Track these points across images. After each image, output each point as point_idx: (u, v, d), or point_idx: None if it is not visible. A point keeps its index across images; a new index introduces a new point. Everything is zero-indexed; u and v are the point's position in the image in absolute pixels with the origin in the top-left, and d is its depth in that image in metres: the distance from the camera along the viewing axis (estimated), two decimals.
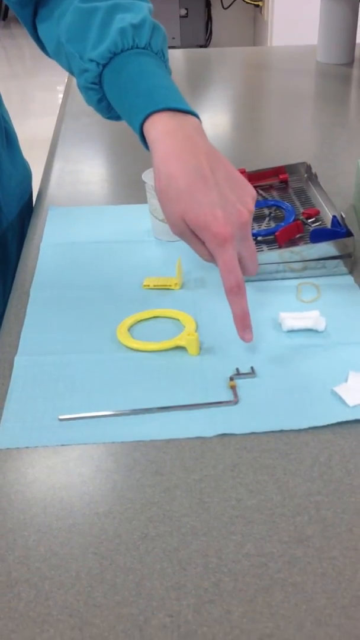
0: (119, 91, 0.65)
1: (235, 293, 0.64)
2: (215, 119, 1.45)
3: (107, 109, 0.71)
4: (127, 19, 0.65)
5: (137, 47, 0.65)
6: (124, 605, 0.47)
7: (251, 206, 0.62)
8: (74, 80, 0.72)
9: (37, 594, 0.48)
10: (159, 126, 0.62)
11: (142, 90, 0.63)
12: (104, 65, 0.65)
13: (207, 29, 4.98)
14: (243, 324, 0.66)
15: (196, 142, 0.62)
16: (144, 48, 0.65)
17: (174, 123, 0.62)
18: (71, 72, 0.73)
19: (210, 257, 0.64)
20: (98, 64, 0.65)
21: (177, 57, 1.94)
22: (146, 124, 0.62)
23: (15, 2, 0.76)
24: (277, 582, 0.48)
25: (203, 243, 0.62)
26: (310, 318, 0.73)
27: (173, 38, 4.71)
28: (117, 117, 0.72)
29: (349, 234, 0.82)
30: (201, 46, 4.81)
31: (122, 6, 0.67)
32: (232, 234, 0.60)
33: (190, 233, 0.62)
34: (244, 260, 0.65)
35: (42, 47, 0.79)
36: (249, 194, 0.63)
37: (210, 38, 5.04)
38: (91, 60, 0.66)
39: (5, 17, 6.18)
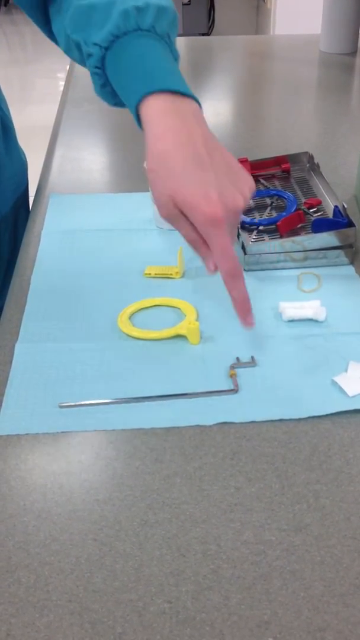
0: (119, 73, 0.64)
1: (233, 276, 0.61)
2: (218, 107, 1.44)
3: (112, 95, 0.69)
4: (130, 2, 0.63)
5: (140, 30, 0.63)
6: (123, 591, 0.47)
7: (247, 195, 0.60)
8: (76, 67, 0.72)
9: (36, 579, 0.48)
10: (154, 106, 0.59)
11: (141, 71, 0.61)
12: (107, 49, 0.64)
13: (209, 17, 4.95)
14: (244, 308, 0.64)
15: (194, 124, 0.59)
16: (147, 30, 0.63)
17: (171, 104, 0.59)
18: (83, 63, 0.70)
19: (199, 244, 0.61)
20: (101, 47, 0.64)
21: (179, 45, 1.92)
22: (142, 104, 0.60)
23: (25, 3, 0.74)
24: (276, 569, 0.48)
25: (193, 228, 0.59)
26: (310, 308, 0.73)
27: None
28: (122, 104, 0.70)
29: (350, 224, 0.82)
30: (204, 34, 4.79)
31: None
32: (224, 216, 0.57)
33: (180, 215, 0.59)
34: None
35: (58, 44, 0.77)
36: (247, 183, 0.61)
37: (213, 26, 5.01)
38: (95, 44, 0.64)
39: (6, 3, 6.14)
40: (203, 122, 0.61)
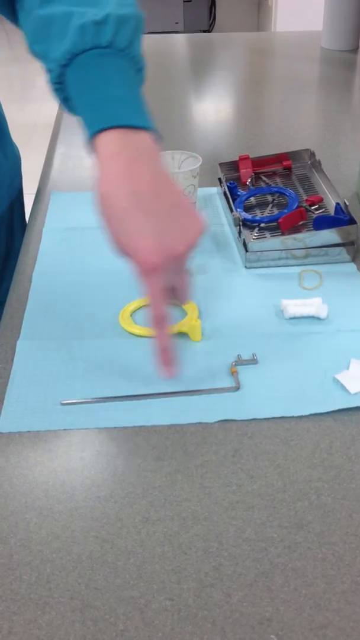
0: (77, 96, 0.62)
1: (157, 324, 0.61)
2: (219, 104, 1.44)
3: (76, 110, 0.65)
4: (89, 15, 0.60)
5: (99, 47, 0.60)
6: (125, 588, 0.47)
7: (193, 239, 0.58)
8: None
9: (38, 577, 0.48)
10: (104, 145, 0.58)
11: (96, 102, 0.60)
12: (65, 66, 0.61)
13: (210, 14, 4.94)
14: (165, 357, 0.62)
15: (142, 165, 0.57)
16: (106, 47, 0.60)
17: (121, 144, 0.58)
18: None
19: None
20: (59, 64, 0.61)
21: (180, 42, 1.92)
22: (95, 140, 0.59)
23: None
24: (277, 566, 0.48)
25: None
26: (312, 305, 0.73)
27: (176, 23, 4.67)
28: None
29: (352, 221, 0.82)
30: (205, 31, 4.78)
31: (84, 1, 0.63)
32: (160, 265, 0.56)
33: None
34: (176, 292, 0.63)
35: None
36: (195, 226, 0.58)
37: (214, 23, 5.00)
38: (53, 61, 0.62)
39: None
40: (155, 159, 0.58)
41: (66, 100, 0.65)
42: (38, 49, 0.65)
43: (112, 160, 0.57)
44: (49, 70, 0.63)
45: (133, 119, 0.59)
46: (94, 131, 0.59)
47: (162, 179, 0.58)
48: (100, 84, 0.60)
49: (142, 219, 0.56)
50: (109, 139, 0.58)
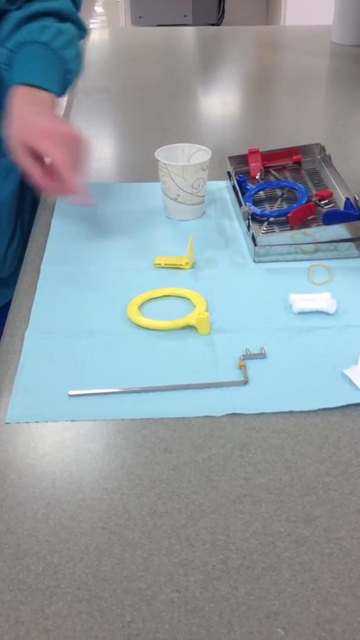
0: (14, 69, 0.87)
1: (65, 169, 0.79)
2: (227, 98, 1.43)
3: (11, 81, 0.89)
4: (39, 22, 0.89)
5: (39, 43, 0.87)
6: (132, 579, 0.47)
7: (80, 134, 0.82)
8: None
9: (45, 567, 0.48)
10: (16, 94, 0.83)
11: (21, 71, 0.86)
12: (12, 51, 0.88)
13: (219, 7, 4.91)
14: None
15: (39, 103, 0.83)
16: (43, 44, 0.87)
17: (27, 94, 0.84)
18: None
19: (47, 180, 0.80)
20: (10, 50, 0.88)
21: (188, 35, 1.92)
22: (11, 92, 0.84)
23: None
24: (284, 560, 0.48)
25: (38, 163, 0.80)
26: (321, 300, 0.73)
27: (185, 16, 4.64)
28: None
29: None
30: (213, 24, 4.75)
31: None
32: (57, 133, 0.80)
33: (23, 152, 0.80)
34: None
35: None
36: (79, 133, 0.83)
37: (223, 16, 4.97)
38: (5, 47, 0.88)
39: None
40: (48, 104, 0.84)
41: (10, 77, 0.89)
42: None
43: (16, 101, 0.83)
44: (0, 54, 0.89)
45: (36, 81, 0.84)
46: (16, 83, 0.85)
47: (52, 110, 0.85)
48: (29, 62, 0.87)
49: (37, 117, 0.82)
50: (18, 91, 0.84)
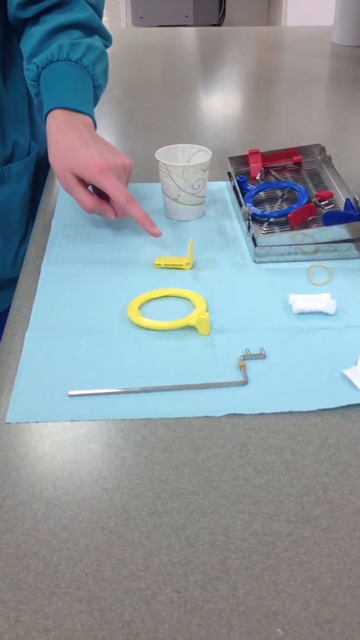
0: (43, 89, 0.86)
1: (130, 204, 0.80)
2: (228, 98, 1.43)
3: (41, 100, 0.87)
4: (69, 38, 0.86)
5: (69, 60, 0.85)
6: (132, 579, 0.47)
7: (127, 161, 0.82)
8: None
9: (45, 567, 0.48)
10: (52, 120, 0.82)
11: (53, 92, 0.84)
12: (42, 68, 0.86)
13: (220, 8, 4.91)
14: (147, 222, 0.81)
15: (80, 127, 0.81)
16: (75, 62, 0.85)
17: (65, 118, 0.82)
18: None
19: (98, 205, 0.81)
20: (38, 66, 0.86)
21: (189, 35, 1.92)
22: (47, 118, 0.83)
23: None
24: (284, 560, 0.49)
25: (89, 193, 0.81)
26: (321, 301, 0.73)
27: (186, 16, 4.64)
28: None
29: None
30: (214, 25, 4.75)
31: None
32: (109, 167, 0.78)
33: (77, 184, 0.80)
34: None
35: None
36: (126, 157, 0.83)
37: (224, 17, 4.97)
38: (34, 63, 0.86)
39: None
40: (90, 129, 0.83)
41: (37, 95, 0.89)
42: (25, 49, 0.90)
43: (59, 124, 0.81)
44: (27, 70, 0.87)
45: (76, 105, 0.83)
46: (47, 110, 0.83)
47: (96, 135, 0.83)
48: (60, 82, 0.84)
49: (87, 149, 0.79)
50: (56, 114, 0.82)
